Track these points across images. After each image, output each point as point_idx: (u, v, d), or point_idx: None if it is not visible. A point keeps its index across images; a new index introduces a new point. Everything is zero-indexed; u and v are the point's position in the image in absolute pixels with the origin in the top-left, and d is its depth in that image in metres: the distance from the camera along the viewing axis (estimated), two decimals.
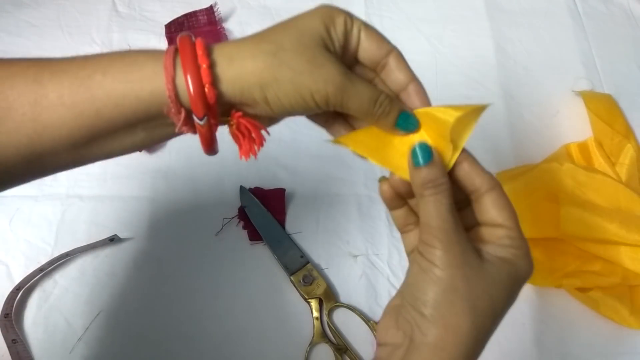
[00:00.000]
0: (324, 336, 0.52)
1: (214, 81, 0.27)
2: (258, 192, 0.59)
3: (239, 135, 0.29)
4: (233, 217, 0.58)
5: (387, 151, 0.31)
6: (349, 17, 0.30)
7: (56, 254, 0.54)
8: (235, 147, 0.62)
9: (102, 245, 0.55)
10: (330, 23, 0.29)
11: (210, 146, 0.29)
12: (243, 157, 0.30)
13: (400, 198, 0.32)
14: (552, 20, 0.74)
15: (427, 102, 0.31)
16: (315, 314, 0.53)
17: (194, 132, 0.28)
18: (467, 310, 0.27)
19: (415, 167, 0.30)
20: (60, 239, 0.56)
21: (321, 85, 0.28)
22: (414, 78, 0.31)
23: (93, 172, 0.60)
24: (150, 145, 0.31)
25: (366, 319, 0.53)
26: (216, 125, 0.28)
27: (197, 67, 0.26)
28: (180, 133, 0.29)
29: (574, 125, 0.66)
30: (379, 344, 0.30)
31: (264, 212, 0.57)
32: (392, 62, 0.31)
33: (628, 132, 0.64)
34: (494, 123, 0.66)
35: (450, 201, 0.29)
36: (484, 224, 0.30)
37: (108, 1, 0.71)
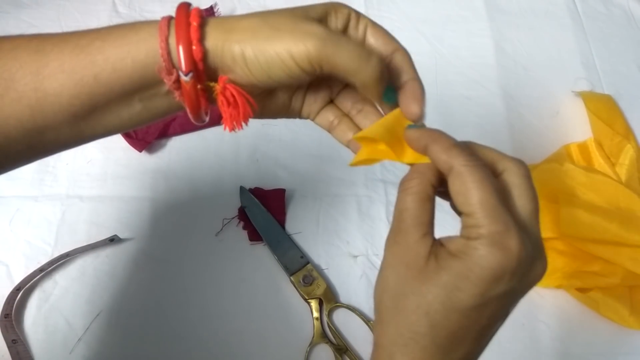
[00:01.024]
0: (324, 336, 0.52)
1: (202, 38, 0.27)
2: (258, 193, 0.59)
3: (224, 102, 0.29)
4: (233, 218, 0.58)
5: (400, 148, 0.31)
6: (355, 13, 0.30)
7: (56, 254, 0.54)
8: (234, 147, 0.62)
9: (102, 245, 0.55)
10: (332, 11, 0.29)
11: (196, 110, 0.29)
12: (227, 128, 0.29)
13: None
14: (552, 21, 0.74)
15: (420, 101, 0.30)
16: (315, 314, 0.53)
17: (184, 98, 0.28)
18: (395, 310, 0.27)
19: None
20: (60, 239, 0.56)
21: (299, 39, 0.26)
22: (414, 77, 0.30)
23: (93, 172, 0.60)
24: (148, 121, 0.31)
25: (366, 319, 0.53)
26: (203, 90, 0.28)
27: (188, 25, 0.27)
28: (174, 107, 0.29)
29: (574, 126, 0.66)
30: None
31: (264, 212, 0.57)
32: (396, 59, 0.30)
33: (628, 133, 0.64)
34: (494, 123, 0.66)
35: (409, 200, 0.27)
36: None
37: (108, 1, 0.71)
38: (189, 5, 0.28)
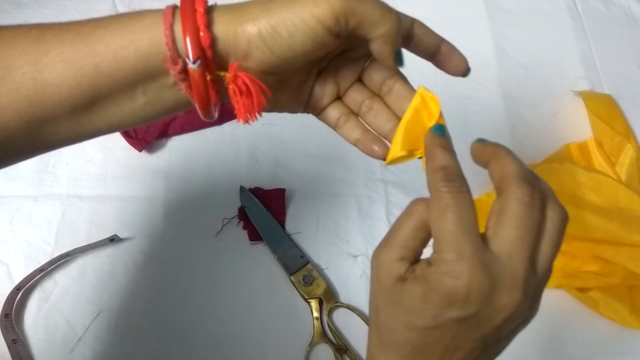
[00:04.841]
0: (324, 336, 0.52)
1: (209, 24, 0.26)
2: (258, 192, 0.59)
3: (236, 91, 0.28)
4: (233, 217, 0.58)
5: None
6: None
7: (56, 254, 0.54)
8: (234, 147, 0.62)
9: (102, 245, 0.55)
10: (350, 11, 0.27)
11: (205, 103, 0.28)
12: (241, 119, 0.28)
13: None
14: (552, 20, 0.74)
15: (462, 57, 0.34)
16: (315, 314, 0.53)
17: (191, 90, 0.27)
18: (374, 319, 0.29)
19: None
20: (60, 239, 0.56)
21: None
22: (443, 39, 0.32)
23: (93, 172, 0.60)
24: (152, 117, 0.30)
25: (366, 319, 0.53)
26: (212, 81, 0.27)
27: (194, 11, 0.26)
28: (180, 102, 0.29)
29: (574, 125, 0.66)
30: None
31: (264, 212, 0.57)
32: (418, 30, 0.31)
33: (628, 132, 0.64)
34: (494, 123, 0.66)
35: (407, 222, 0.28)
36: None
37: (108, 1, 0.71)
38: None
